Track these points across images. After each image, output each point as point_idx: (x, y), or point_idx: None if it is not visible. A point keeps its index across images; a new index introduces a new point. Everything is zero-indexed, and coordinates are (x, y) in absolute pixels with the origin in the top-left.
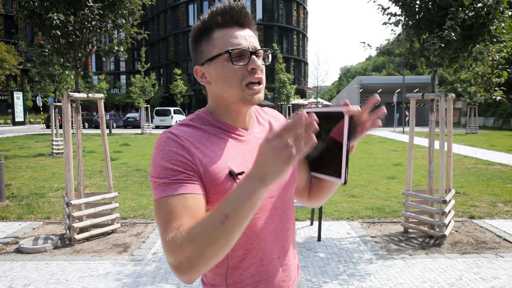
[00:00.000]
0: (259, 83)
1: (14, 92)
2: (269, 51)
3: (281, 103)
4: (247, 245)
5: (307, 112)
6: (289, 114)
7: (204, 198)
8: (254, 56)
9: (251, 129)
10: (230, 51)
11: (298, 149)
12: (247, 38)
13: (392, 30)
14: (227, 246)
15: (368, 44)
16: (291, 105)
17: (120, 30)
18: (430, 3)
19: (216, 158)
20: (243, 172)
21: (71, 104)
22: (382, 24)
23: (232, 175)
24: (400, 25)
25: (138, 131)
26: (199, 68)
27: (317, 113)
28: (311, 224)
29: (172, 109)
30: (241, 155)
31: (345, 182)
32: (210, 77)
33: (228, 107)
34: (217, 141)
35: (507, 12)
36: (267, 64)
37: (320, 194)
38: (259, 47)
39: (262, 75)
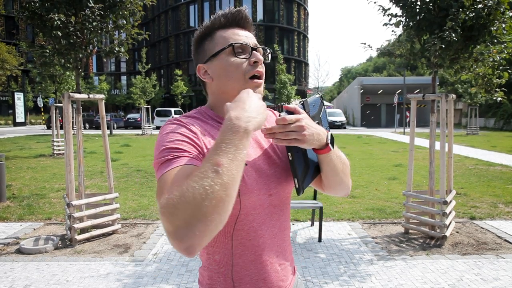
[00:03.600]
0: (260, 77)
1: (15, 93)
2: (269, 50)
3: (282, 103)
4: (246, 242)
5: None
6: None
7: None
8: (255, 51)
9: None
10: (234, 44)
11: None
12: (248, 37)
13: (392, 31)
14: (227, 199)
15: (369, 45)
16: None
17: (121, 30)
18: (430, 4)
19: None
20: (246, 164)
21: (72, 105)
22: (383, 25)
23: None
24: (400, 26)
25: (139, 131)
26: (202, 65)
27: None
28: (312, 225)
29: (173, 109)
30: None
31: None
32: (213, 73)
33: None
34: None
35: (507, 13)
36: (267, 61)
37: (327, 179)
38: (258, 45)
39: (263, 69)
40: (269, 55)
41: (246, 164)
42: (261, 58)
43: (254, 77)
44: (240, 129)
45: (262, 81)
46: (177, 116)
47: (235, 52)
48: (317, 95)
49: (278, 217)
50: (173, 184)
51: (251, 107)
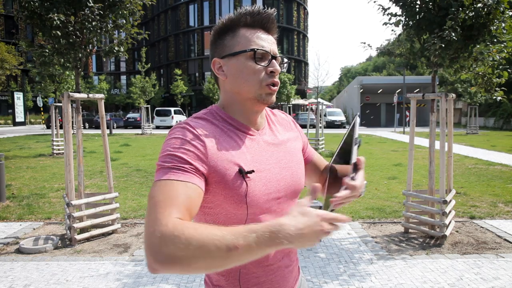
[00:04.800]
0: (275, 85)
1: (15, 93)
2: (286, 60)
3: (282, 103)
4: None
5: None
6: (289, 114)
7: (202, 194)
8: (274, 60)
9: (262, 130)
10: (256, 49)
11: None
12: (270, 43)
13: (392, 30)
14: (219, 269)
15: (369, 45)
16: (291, 105)
17: (121, 30)
18: (430, 4)
19: (227, 154)
20: (252, 171)
21: (72, 105)
22: (383, 25)
23: (241, 172)
24: (400, 26)
25: (139, 131)
26: (218, 60)
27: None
28: None
29: (172, 109)
30: (252, 154)
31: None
32: (228, 71)
33: (242, 104)
34: (228, 138)
35: (507, 12)
36: (283, 71)
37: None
38: (278, 54)
39: (277, 78)
40: (286, 65)
41: (253, 171)
42: (279, 68)
43: (269, 84)
44: (277, 241)
45: (277, 88)
46: (187, 119)
47: (255, 58)
48: (357, 117)
49: None
50: (177, 205)
51: (302, 236)
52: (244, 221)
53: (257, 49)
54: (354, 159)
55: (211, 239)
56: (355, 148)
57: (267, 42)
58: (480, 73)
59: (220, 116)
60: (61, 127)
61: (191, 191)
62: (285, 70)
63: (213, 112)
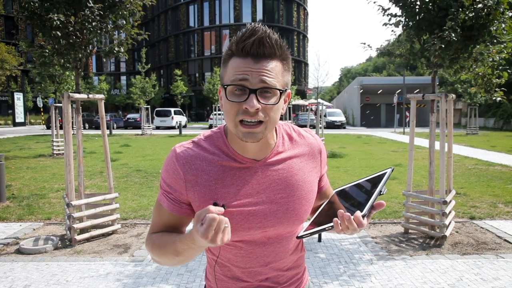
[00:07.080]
0: (259, 121)
1: (15, 93)
2: (279, 91)
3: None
4: (234, 262)
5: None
6: (289, 115)
7: (184, 216)
8: (252, 95)
9: (266, 159)
10: (225, 86)
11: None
12: (255, 72)
13: (392, 31)
14: (182, 264)
15: (369, 45)
16: (291, 106)
17: (121, 31)
18: (430, 4)
19: (207, 188)
20: (224, 206)
21: (72, 105)
22: (383, 25)
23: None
24: (400, 26)
25: (139, 131)
26: (220, 88)
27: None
28: None
29: (172, 109)
30: (238, 187)
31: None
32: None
33: (234, 135)
34: (216, 170)
35: (507, 13)
36: (274, 104)
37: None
38: (271, 84)
39: (261, 115)
40: (281, 94)
41: (224, 206)
42: (254, 105)
43: (245, 121)
44: (194, 246)
45: (259, 127)
46: (183, 143)
47: (226, 95)
48: (390, 170)
49: (273, 248)
50: (155, 227)
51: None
52: (218, 250)
53: (227, 86)
54: (371, 202)
55: (161, 250)
56: (376, 194)
57: (249, 73)
58: (480, 73)
59: (219, 142)
60: (61, 128)
61: (167, 217)
62: (277, 102)
63: (214, 138)
